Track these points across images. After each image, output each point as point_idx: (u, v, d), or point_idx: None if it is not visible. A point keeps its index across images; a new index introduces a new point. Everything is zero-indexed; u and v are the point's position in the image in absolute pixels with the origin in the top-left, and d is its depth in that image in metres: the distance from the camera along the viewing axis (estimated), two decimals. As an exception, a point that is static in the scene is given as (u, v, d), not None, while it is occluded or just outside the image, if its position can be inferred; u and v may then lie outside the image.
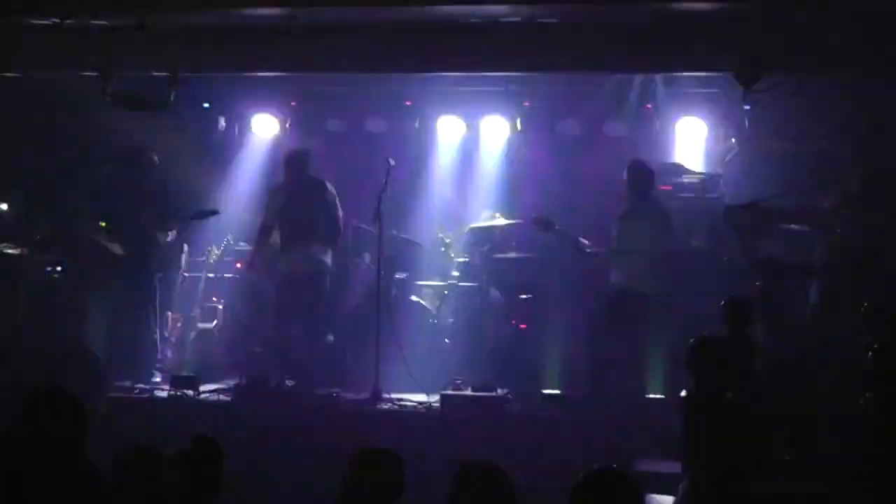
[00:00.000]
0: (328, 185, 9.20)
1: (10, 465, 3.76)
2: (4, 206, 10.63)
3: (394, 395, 8.65)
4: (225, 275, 9.93)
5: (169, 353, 9.59)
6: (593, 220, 9.26)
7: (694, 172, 9.82)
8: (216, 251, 9.64)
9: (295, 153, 9.32)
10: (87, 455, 3.97)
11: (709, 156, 10.12)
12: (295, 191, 9.10)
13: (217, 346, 9.95)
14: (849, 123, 9.59)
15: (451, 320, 9.53)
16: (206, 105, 10.84)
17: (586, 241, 8.83)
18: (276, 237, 9.19)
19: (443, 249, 9.74)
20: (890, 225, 7.86)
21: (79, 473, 3.86)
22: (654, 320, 8.50)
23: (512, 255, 9.94)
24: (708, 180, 9.66)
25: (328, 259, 9.13)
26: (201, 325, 9.73)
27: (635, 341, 8.92)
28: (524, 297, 9.92)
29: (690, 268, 8.74)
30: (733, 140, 9.92)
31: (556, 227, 8.85)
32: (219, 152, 10.63)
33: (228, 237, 9.86)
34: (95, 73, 5.83)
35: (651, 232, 8.54)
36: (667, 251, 8.53)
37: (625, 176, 8.74)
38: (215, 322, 9.78)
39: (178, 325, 9.67)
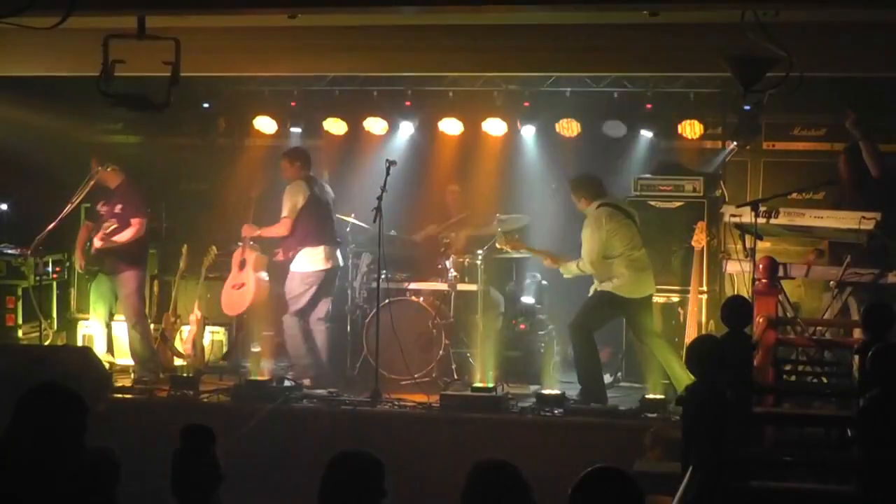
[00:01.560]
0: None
1: (10, 466, 3.73)
2: (4, 207, 10.65)
3: (394, 396, 8.66)
4: (224, 275, 9.94)
5: (168, 354, 9.59)
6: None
7: (694, 173, 9.85)
8: (215, 251, 9.63)
9: (304, 151, 9.40)
10: (86, 451, 3.93)
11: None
12: (315, 188, 9.24)
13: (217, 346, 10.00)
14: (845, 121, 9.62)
15: (451, 320, 9.54)
16: (205, 105, 10.86)
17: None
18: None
19: (442, 250, 9.76)
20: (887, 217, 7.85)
21: (78, 470, 3.83)
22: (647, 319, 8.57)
23: (513, 255, 9.96)
24: (708, 180, 9.68)
25: None
26: (202, 326, 9.72)
27: (633, 340, 8.95)
28: (524, 298, 9.96)
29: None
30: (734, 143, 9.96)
31: (523, 245, 8.95)
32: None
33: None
34: (95, 74, 5.80)
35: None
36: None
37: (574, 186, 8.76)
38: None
39: (176, 325, 9.67)
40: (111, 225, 9.16)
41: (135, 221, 9.20)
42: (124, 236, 9.18)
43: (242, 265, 9.38)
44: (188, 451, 4.27)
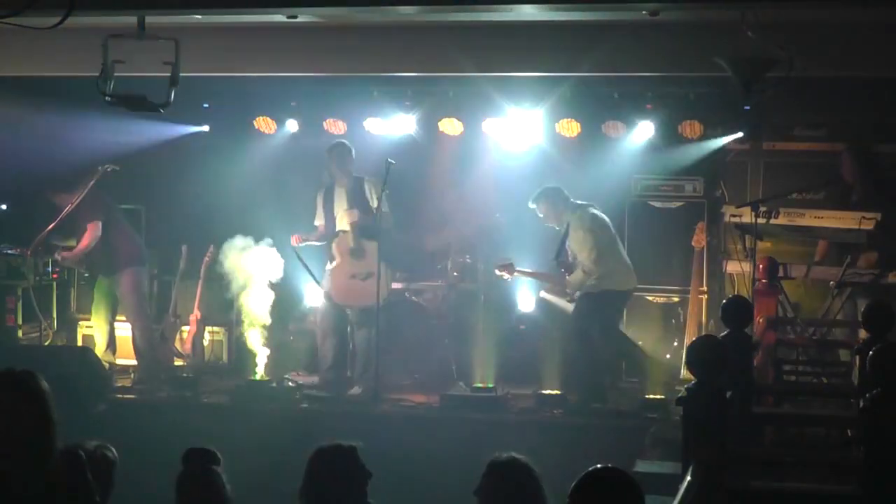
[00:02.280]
0: None
1: None
2: (4, 207, 10.65)
3: (394, 395, 8.66)
4: (223, 275, 9.92)
5: (167, 354, 9.61)
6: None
7: (694, 173, 9.85)
8: (214, 250, 9.61)
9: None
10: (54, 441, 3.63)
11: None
12: None
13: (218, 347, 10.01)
14: (844, 120, 9.64)
15: (451, 320, 9.54)
16: (205, 105, 10.85)
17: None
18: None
19: (443, 250, 9.77)
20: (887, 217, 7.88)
21: (50, 466, 3.61)
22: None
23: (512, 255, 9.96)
24: (708, 180, 9.69)
25: None
26: (202, 326, 9.73)
27: (633, 339, 8.95)
28: (521, 305, 9.96)
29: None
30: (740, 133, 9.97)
31: (516, 269, 8.96)
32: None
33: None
34: (95, 74, 5.81)
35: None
36: None
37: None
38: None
39: (176, 325, 9.69)
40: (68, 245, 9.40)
41: (90, 226, 9.26)
42: (80, 246, 9.29)
43: (358, 254, 8.93)
44: (191, 476, 4.22)
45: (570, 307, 8.91)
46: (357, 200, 8.98)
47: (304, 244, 9.17)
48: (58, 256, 9.40)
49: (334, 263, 9.02)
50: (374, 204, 8.91)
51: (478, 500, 3.87)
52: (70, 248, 9.47)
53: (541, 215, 8.79)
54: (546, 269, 9.26)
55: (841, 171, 8.73)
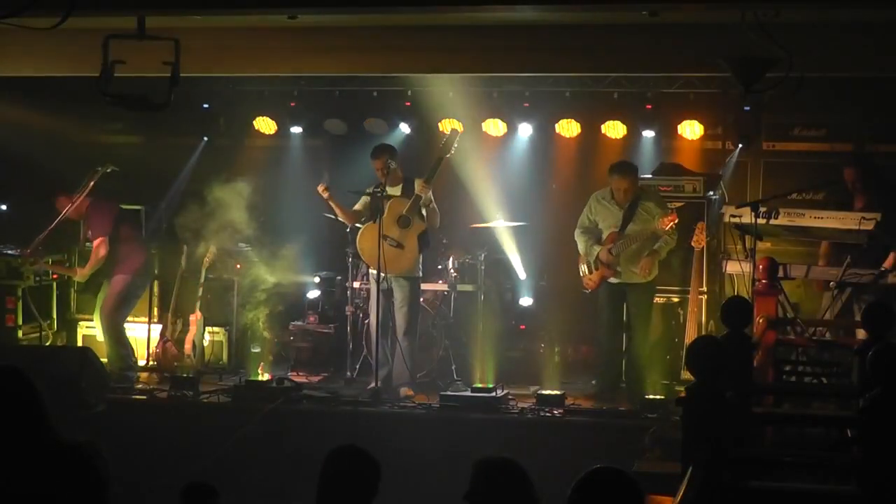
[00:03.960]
0: None
1: None
2: (4, 207, 10.66)
3: (394, 395, 8.66)
4: (223, 275, 9.92)
5: (167, 355, 9.61)
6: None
7: (694, 173, 9.85)
8: (214, 251, 9.61)
9: None
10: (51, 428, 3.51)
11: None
12: None
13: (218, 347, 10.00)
14: (845, 121, 9.64)
15: (451, 320, 9.54)
16: (205, 105, 10.86)
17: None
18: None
19: (442, 250, 9.76)
20: (887, 219, 7.88)
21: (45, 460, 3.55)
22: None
23: (511, 255, 9.97)
24: (708, 180, 9.69)
25: None
26: (202, 327, 9.73)
27: (635, 339, 8.95)
28: (523, 298, 9.96)
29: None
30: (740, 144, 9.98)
31: None
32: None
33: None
34: (95, 74, 5.81)
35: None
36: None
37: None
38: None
39: (176, 325, 9.69)
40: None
41: (97, 242, 9.30)
42: (91, 261, 9.37)
43: (405, 223, 8.66)
44: None
45: None
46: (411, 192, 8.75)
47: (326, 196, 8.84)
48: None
49: (367, 224, 8.78)
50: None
51: None
52: (63, 263, 9.75)
53: (619, 187, 8.65)
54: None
55: (843, 179, 8.73)
